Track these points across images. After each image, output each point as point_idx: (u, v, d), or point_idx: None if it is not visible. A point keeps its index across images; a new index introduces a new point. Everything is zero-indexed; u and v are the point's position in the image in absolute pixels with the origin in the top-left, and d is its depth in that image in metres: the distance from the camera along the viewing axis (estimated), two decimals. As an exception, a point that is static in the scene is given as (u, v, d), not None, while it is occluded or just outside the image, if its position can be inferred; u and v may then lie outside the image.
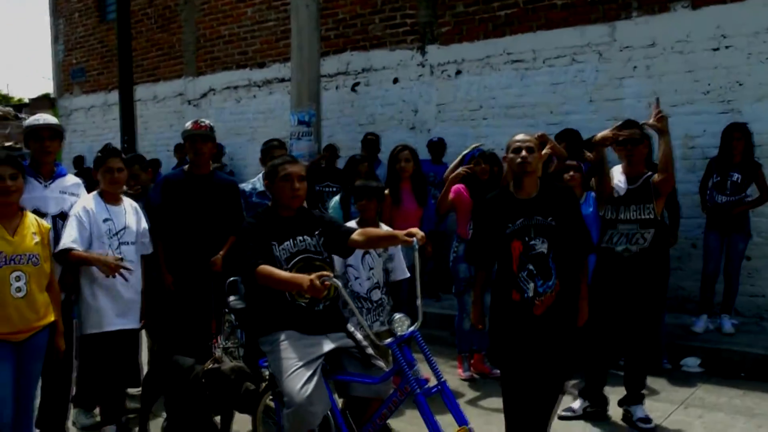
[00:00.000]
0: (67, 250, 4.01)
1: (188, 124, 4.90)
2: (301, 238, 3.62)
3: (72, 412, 4.74)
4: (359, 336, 3.65)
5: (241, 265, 3.53)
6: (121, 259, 4.07)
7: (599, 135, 4.53)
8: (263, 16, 10.83)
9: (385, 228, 4.49)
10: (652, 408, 4.81)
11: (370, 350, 3.61)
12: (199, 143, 4.82)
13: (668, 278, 5.18)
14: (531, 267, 3.56)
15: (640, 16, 7.41)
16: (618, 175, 4.64)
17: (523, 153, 3.60)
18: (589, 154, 5.24)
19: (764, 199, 6.28)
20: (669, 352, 5.97)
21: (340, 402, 3.73)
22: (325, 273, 3.21)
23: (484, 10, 8.50)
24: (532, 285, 3.56)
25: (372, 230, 3.92)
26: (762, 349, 5.85)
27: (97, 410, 4.83)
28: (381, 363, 3.58)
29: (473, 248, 3.87)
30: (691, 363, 5.91)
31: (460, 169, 5.59)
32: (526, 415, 3.66)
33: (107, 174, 4.29)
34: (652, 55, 7.34)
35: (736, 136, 6.21)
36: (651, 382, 5.32)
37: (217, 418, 4.35)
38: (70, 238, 4.03)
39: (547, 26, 8.02)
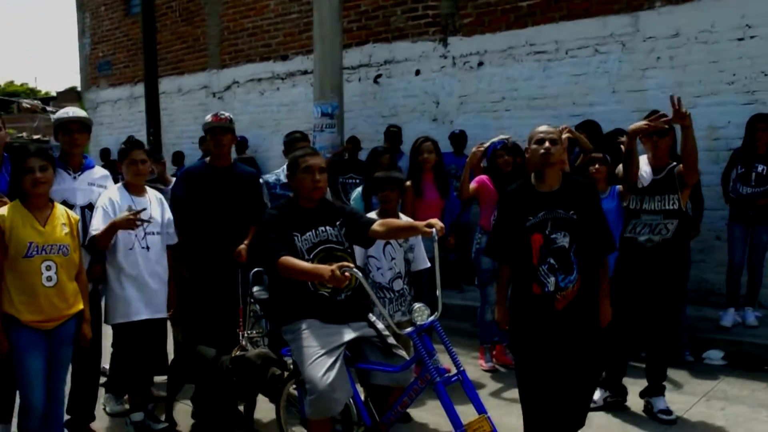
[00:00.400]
0: (93, 238, 4.11)
1: (208, 117, 4.96)
2: (322, 228, 3.68)
3: (103, 397, 4.87)
4: (381, 325, 3.70)
5: (263, 257, 3.58)
6: (130, 208, 4.12)
7: (633, 126, 4.52)
8: (286, 8, 10.89)
9: (405, 219, 4.53)
10: (674, 400, 4.81)
11: (391, 339, 3.66)
12: (220, 135, 4.87)
13: (689, 270, 5.15)
14: (552, 261, 3.52)
15: (664, 6, 7.34)
16: (643, 166, 4.63)
17: (546, 144, 3.54)
18: (622, 139, 5.20)
19: None
20: (692, 344, 5.96)
21: (361, 391, 3.79)
22: (345, 264, 3.26)
23: (506, 1, 8.48)
24: (552, 279, 3.52)
25: (392, 221, 3.96)
26: (786, 342, 5.82)
27: (126, 397, 4.94)
28: (402, 352, 3.63)
29: (494, 241, 3.83)
30: (714, 356, 5.89)
31: (474, 149, 5.59)
32: (543, 407, 3.64)
33: (131, 166, 4.38)
34: (675, 46, 7.28)
35: (761, 127, 6.15)
36: (673, 374, 5.34)
37: (241, 407, 4.44)
38: (95, 227, 4.13)
39: (570, 17, 7.99)
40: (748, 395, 5.09)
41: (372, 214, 4.40)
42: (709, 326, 6.33)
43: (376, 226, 3.71)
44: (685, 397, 5.03)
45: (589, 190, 3.69)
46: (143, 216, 4.12)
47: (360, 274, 3.38)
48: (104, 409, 4.90)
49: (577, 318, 3.56)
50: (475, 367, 5.71)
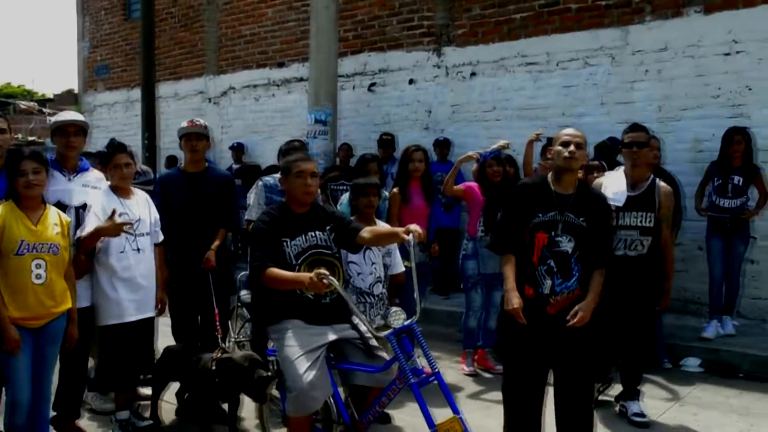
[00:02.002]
0: (78, 239, 4.19)
1: (184, 123, 5.07)
2: (312, 233, 3.75)
3: (88, 396, 4.93)
4: (363, 328, 3.77)
5: (250, 267, 3.69)
6: (114, 212, 4.13)
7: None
8: (284, 16, 11.04)
9: (384, 225, 4.62)
10: (649, 405, 4.91)
11: (374, 341, 3.73)
12: (194, 140, 4.97)
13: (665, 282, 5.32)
14: (552, 263, 3.48)
15: (653, 20, 7.49)
16: (619, 184, 4.63)
17: (572, 147, 3.49)
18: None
19: (763, 202, 6.39)
20: (669, 352, 6.07)
21: (343, 391, 3.86)
22: (322, 271, 3.34)
23: (499, 13, 8.64)
24: (549, 282, 3.48)
25: (378, 228, 4.04)
26: (761, 350, 5.94)
27: (112, 395, 5.02)
28: (384, 354, 3.71)
29: (500, 234, 3.71)
30: (691, 363, 5.99)
31: (470, 153, 5.75)
32: (527, 410, 3.62)
33: (116, 170, 4.41)
34: (663, 59, 7.43)
35: (737, 139, 6.29)
36: (650, 380, 5.47)
37: (225, 405, 4.52)
38: (85, 231, 4.21)
39: (561, 30, 8.14)
40: (721, 401, 5.20)
41: None
42: (688, 334, 6.44)
43: (363, 233, 3.78)
44: (660, 402, 5.13)
45: (602, 202, 3.71)
46: (125, 219, 4.19)
47: (336, 282, 3.41)
48: (90, 408, 4.95)
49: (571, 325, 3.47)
50: (457, 371, 5.81)
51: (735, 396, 5.31)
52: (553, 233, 3.50)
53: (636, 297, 4.62)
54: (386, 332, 3.46)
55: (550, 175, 3.66)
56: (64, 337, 3.93)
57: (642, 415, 4.71)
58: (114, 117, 14.18)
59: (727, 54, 7.03)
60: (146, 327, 4.52)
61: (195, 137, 4.98)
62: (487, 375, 5.80)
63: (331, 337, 3.63)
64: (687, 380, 5.67)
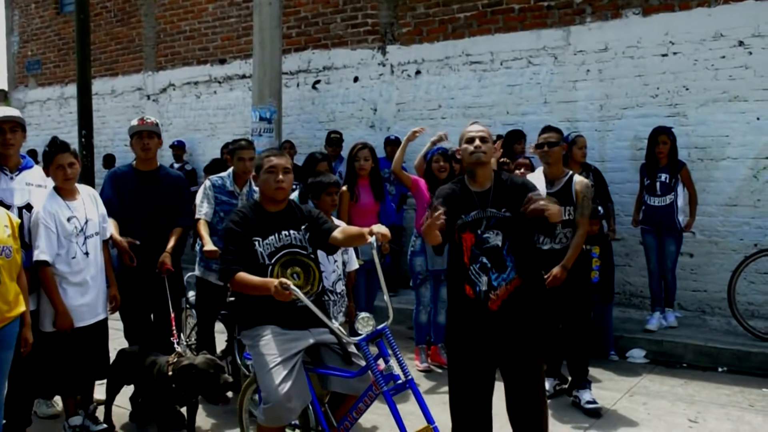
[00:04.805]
0: (40, 263, 4.08)
1: (134, 121, 4.93)
2: (286, 232, 3.66)
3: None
4: (342, 331, 3.60)
5: (219, 269, 3.62)
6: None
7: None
8: (224, 12, 10.87)
9: (340, 223, 4.58)
10: (600, 396, 5.04)
11: (352, 348, 3.62)
12: (146, 138, 4.84)
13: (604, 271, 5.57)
14: (484, 260, 3.47)
15: (594, 21, 7.68)
16: (537, 182, 4.70)
17: (477, 143, 3.49)
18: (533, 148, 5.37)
19: (694, 196, 6.65)
20: (615, 344, 6.26)
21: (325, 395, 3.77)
22: (285, 281, 3.25)
23: (443, 12, 8.71)
24: (485, 278, 3.46)
25: (349, 228, 3.86)
26: (702, 341, 6.19)
27: (56, 399, 4.86)
28: (361, 361, 3.56)
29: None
30: (637, 354, 6.20)
31: (417, 129, 5.94)
32: (471, 409, 3.59)
33: (59, 171, 4.24)
34: (604, 60, 7.62)
35: (662, 140, 6.52)
36: (598, 372, 5.64)
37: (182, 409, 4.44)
38: (40, 250, 4.08)
39: (505, 29, 8.26)
40: (668, 390, 5.39)
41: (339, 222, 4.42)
42: (633, 327, 6.65)
43: (335, 233, 3.69)
44: (610, 393, 5.28)
45: (519, 186, 3.59)
46: (75, 223, 4.17)
47: (300, 292, 3.28)
48: (34, 413, 4.78)
49: (514, 317, 3.48)
50: (410, 368, 5.79)
51: (680, 385, 5.51)
52: (479, 231, 3.49)
53: (568, 287, 4.80)
54: (358, 338, 3.37)
55: (465, 175, 3.64)
56: (18, 342, 3.77)
57: (594, 401, 4.87)
58: (47, 114, 13.70)
59: (665, 55, 7.25)
60: (99, 330, 4.41)
61: (146, 135, 4.85)
62: (440, 370, 5.85)
63: (309, 341, 3.54)
64: (634, 371, 5.86)
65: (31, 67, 13.99)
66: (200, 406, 4.56)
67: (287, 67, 9.65)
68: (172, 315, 4.59)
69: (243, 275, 3.45)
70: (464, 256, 3.52)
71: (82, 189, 4.46)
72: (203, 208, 5.09)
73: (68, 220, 4.22)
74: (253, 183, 5.28)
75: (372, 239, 3.43)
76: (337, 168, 8.03)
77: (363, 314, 3.42)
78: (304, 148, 8.84)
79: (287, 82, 9.76)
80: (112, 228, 4.61)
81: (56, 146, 4.30)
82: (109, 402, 4.57)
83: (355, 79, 9.51)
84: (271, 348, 3.43)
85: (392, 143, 8.55)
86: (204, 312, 5.27)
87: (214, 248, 4.78)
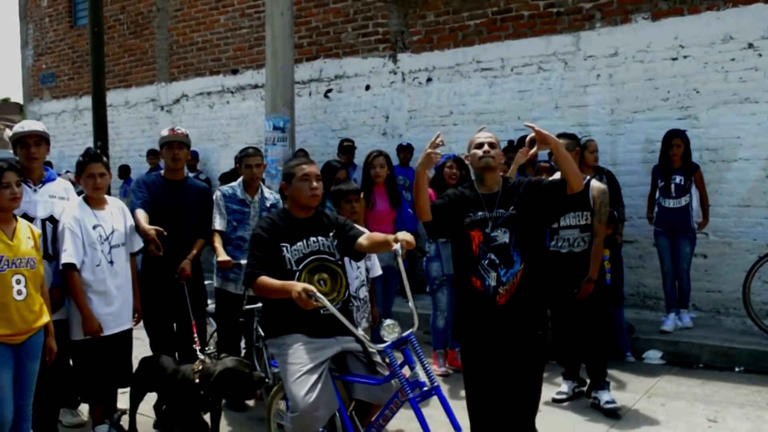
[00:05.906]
0: (67, 267, 4.16)
1: (165, 131, 5.04)
2: (314, 239, 3.69)
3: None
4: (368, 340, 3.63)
5: (244, 275, 3.66)
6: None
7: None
8: (236, 23, 11.00)
9: (376, 233, 4.61)
10: (618, 398, 5.09)
11: (377, 357, 3.64)
12: (176, 149, 4.96)
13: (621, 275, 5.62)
14: (493, 257, 3.46)
15: (603, 26, 7.74)
16: None
17: (485, 148, 3.51)
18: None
19: (706, 198, 6.71)
20: (631, 345, 6.30)
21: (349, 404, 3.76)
22: (310, 288, 3.27)
23: (454, 20, 8.80)
24: (494, 274, 3.44)
25: (374, 235, 3.83)
26: (718, 341, 6.23)
27: (81, 408, 4.94)
28: (385, 370, 3.59)
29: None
30: (653, 355, 6.24)
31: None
32: (488, 406, 3.56)
33: (89, 180, 4.36)
34: (614, 64, 7.68)
35: (675, 143, 6.57)
36: (616, 374, 5.67)
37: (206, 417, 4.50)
38: (67, 253, 4.17)
39: (515, 36, 8.33)
40: (685, 391, 5.43)
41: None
42: (648, 328, 6.69)
43: (361, 240, 3.69)
44: (629, 394, 5.33)
45: (525, 184, 3.58)
46: (100, 232, 4.24)
47: (326, 300, 3.28)
48: (59, 422, 4.84)
49: (520, 312, 3.47)
50: (429, 372, 5.88)
51: (698, 385, 5.55)
52: (486, 230, 3.50)
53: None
54: (384, 345, 3.34)
55: (474, 180, 3.65)
56: (44, 351, 3.85)
57: (613, 402, 4.93)
58: (62, 126, 13.87)
59: (675, 59, 7.31)
60: (124, 339, 4.48)
61: (177, 146, 4.96)
62: (458, 374, 5.88)
63: (336, 349, 3.55)
64: (651, 372, 5.90)
65: (45, 80, 14.18)
66: (222, 413, 4.62)
67: (299, 76, 9.74)
68: (194, 323, 4.66)
69: (265, 279, 3.48)
70: (473, 252, 3.52)
71: (111, 201, 4.56)
72: (216, 220, 5.17)
73: (93, 227, 4.30)
74: (265, 190, 5.37)
75: (397, 246, 3.43)
76: (351, 175, 8.10)
77: (388, 321, 3.41)
78: (317, 156, 8.90)
79: (299, 91, 9.86)
80: (142, 219, 4.64)
81: (89, 156, 4.45)
82: (132, 410, 4.63)
83: (367, 88, 9.60)
84: (298, 357, 3.44)
85: (404, 150, 8.66)
86: (224, 321, 5.35)
87: (227, 258, 4.89)
